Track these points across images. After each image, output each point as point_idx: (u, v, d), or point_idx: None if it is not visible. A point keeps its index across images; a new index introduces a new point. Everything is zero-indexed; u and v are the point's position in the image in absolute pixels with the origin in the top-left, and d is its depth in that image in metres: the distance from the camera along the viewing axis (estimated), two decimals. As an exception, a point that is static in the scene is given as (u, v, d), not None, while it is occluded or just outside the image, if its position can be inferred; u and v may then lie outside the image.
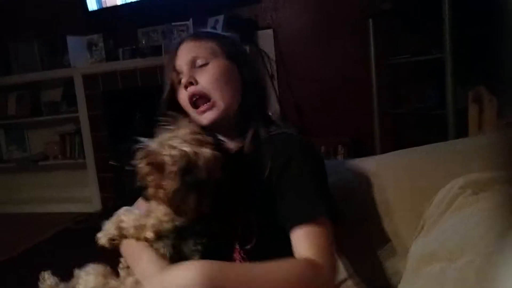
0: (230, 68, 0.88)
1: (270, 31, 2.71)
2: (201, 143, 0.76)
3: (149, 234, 0.77)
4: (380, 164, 1.04)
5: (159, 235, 0.77)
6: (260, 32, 2.73)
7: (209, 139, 0.79)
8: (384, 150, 1.19)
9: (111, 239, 0.81)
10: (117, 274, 0.89)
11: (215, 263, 0.70)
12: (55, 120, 3.13)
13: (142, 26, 2.89)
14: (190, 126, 0.80)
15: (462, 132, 1.91)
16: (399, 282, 0.80)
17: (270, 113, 0.96)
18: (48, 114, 3.13)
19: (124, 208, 0.85)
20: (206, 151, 0.75)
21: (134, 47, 2.87)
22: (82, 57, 2.92)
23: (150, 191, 0.77)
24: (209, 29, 0.96)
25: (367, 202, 0.97)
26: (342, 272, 0.95)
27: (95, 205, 3.02)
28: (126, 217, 0.81)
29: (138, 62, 2.79)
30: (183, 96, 0.88)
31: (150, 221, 0.78)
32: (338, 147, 2.45)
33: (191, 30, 2.70)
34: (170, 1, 2.80)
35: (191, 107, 0.87)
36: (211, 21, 2.71)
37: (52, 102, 3.16)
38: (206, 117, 0.86)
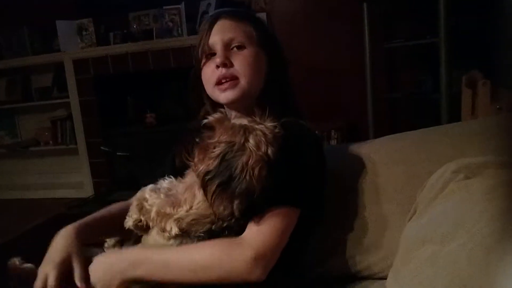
0: (261, 56, 0.89)
1: (263, 15, 2.67)
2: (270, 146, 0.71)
3: (173, 229, 0.74)
4: (373, 149, 1.04)
5: (184, 231, 0.74)
6: (253, 16, 2.69)
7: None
8: (378, 135, 1.18)
9: (137, 222, 0.78)
10: None
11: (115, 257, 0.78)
12: (46, 106, 3.09)
13: (133, 10, 2.85)
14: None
15: (456, 116, 1.92)
16: (390, 266, 0.80)
17: (291, 100, 0.97)
18: (39, 100, 3.10)
19: (151, 186, 0.81)
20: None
21: (125, 31, 2.83)
22: (72, 41, 2.87)
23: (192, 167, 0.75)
24: (244, 10, 0.94)
25: (360, 186, 0.97)
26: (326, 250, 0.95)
27: (87, 191, 3.01)
28: (151, 198, 0.77)
29: (129, 47, 2.75)
30: (208, 71, 0.88)
31: (179, 213, 0.74)
32: (332, 132, 2.45)
33: (183, 14, 2.67)
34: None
35: (213, 83, 0.87)
36: (203, 4, 2.67)
37: (43, 87, 3.13)
38: (226, 96, 0.86)
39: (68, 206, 2.81)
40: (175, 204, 0.75)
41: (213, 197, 0.69)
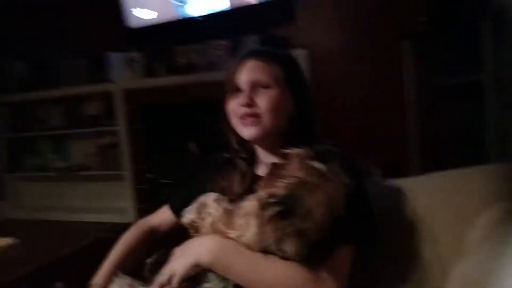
0: (287, 96, 0.93)
1: (304, 51, 2.74)
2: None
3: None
4: (419, 186, 1.03)
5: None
6: (294, 52, 2.76)
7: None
8: (421, 173, 1.18)
9: (192, 222, 0.82)
10: (144, 283, 0.92)
11: (232, 243, 0.78)
12: (95, 133, 3.26)
13: (180, 44, 3.00)
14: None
15: (504, 156, 1.86)
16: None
17: (317, 130, 1.01)
18: (89, 126, 3.26)
19: (214, 195, 0.85)
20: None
21: (171, 64, 2.98)
22: (122, 72, 3.04)
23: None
24: (275, 48, 1.02)
25: (405, 224, 0.96)
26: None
27: (130, 216, 3.10)
28: (211, 206, 0.81)
29: (175, 79, 2.89)
30: (233, 107, 0.93)
31: (229, 235, 0.78)
32: (373, 168, 2.42)
33: (227, 50, 2.78)
34: (207, 21, 2.88)
35: (237, 117, 0.93)
36: (245, 40, 2.77)
37: (93, 115, 3.30)
38: (248, 132, 0.91)
39: (110, 230, 2.90)
40: (230, 224, 0.79)
41: (268, 223, 0.70)
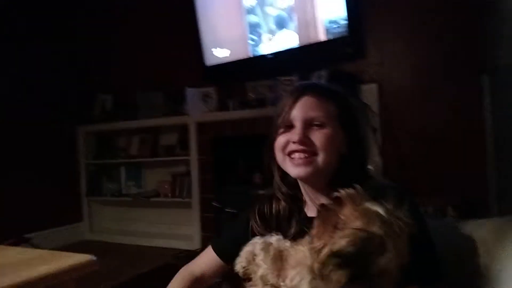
0: (340, 134, 0.89)
1: (374, 85, 2.73)
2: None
3: None
4: (492, 228, 0.96)
5: None
6: (364, 86, 2.76)
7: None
8: (500, 214, 1.10)
9: (245, 270, 0.78)
10: None
11: None
12: (169, 162, 3.43)
13: (251, 80, 3.13)
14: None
15: None
16: None
17: (369, 167, 0.97)
18: (164, 156, 3.46)
19: (261, 241, 0.80)
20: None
21: (243, 98, 3.10)
22: (197, 106, 3.22)
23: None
24: (330, 85, 0.98)
25: (476, 270, 0.90)
26: None
27: (196, 243, 3.19)
28: (259, 256, 0.76)
29: (245, 113, 2.99)
30: (283, 141, 0.89)
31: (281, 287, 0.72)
32: (448, 209, 2.29)
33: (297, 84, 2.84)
34: (277, 57, 2.99)
35: (285, 153, 0.89)
36: (315, 75, 2.82)
37: (168, 145, 3.49)
38: (298, 171, 0.87)
39: (176, 256, 2.99)
40: (281, 274, 0.73)
41: (332, 283, 0.62)
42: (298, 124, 0.88)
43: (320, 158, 0.86)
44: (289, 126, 0.89)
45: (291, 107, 0.89)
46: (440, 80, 2.56)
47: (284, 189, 0.95)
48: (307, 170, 0.86)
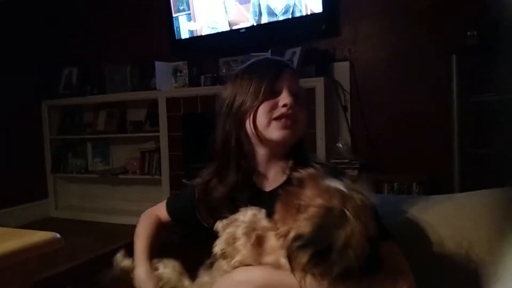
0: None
1: (346, 63, 2.75)
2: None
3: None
4: (458, 203, 1.00)
5: None
6: (336, 64, 2.77)
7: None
8: (462, 191, 1.14)
9: (223, 251, 0.77)
10: (190, 276, 0.92)
11: (276, 272, 0.73)
12: (137, 138, 3.36)
13: (224, 55, 3.07)
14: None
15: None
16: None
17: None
18: (132, 132, 3.38)
19: (244, 225, 0.78)
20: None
21: (215, 75, 3.05)
22: (167, 81, 3.15)
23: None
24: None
25: (444, 241, 0.93)
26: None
27: (165, 221, 3.16)
28: (240, 240, 0.75)
29: (217, 89, 2.94)
30: (268, 107, 0.90)
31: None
32: (413, 185, 2.36)
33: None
34: (251, 33, 2.95)
35: (270, 118, 0.91)
36: (288, 52, 2.80)
37: (136, 121, 3.41)
38: (285, 133, 0.91)
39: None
40: (259, 262, 0.73)
41: (303, 270, 0.62)
42: (286, 91, 0.92)
43: (300, 127, 0.93)
44: (273, 94, 0.91)
45: (276, 76, 0.92)
46: (411, 60, 2.60)
47: (243, 161, 0.95)
48: (291, 134, 0.91)
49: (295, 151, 0.95)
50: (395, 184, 2.41)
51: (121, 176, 3.45)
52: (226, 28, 3.03)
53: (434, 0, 2.53)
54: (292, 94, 0.92)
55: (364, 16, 2.72)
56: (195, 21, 3.15)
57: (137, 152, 3.41)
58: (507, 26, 2.17)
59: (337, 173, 0.75)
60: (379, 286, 0.72)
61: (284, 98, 0.91)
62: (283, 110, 0.90)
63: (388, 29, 2.66)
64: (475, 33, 2.23)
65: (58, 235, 0.86)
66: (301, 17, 2.75)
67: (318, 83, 2.58)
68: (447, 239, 0.93)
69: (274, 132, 0.91)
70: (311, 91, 2.59)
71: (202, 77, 3.07)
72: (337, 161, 2.57)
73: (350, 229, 0.60)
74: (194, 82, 3.12)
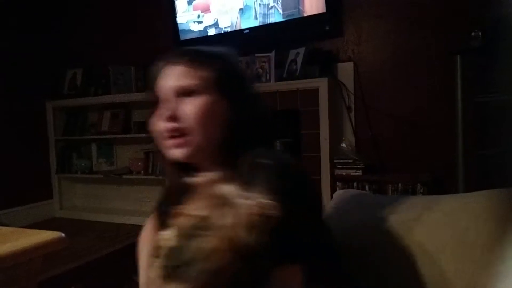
0: (220, 103, 0.77)
1: (350, 64, 2.75)
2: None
3: None
4: (462, 202, 1.00)
5: None
6: (340, 65, 2.77)
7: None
8: (467, 192, 1.14)
9: None
10: None
11: None
12: (141, 138, 3.36)
13: (227, 56, 3.07)
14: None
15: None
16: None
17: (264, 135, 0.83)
18: (136, 132, 3.38)
19: None
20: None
21: (218, 75, 3.05)
22: (171, 82, 3.15)
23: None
24: (208, 48, 0.83)
25: (446, 240, 0.93)
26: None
27: (169, 221, 3.16)
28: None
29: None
30: (159, 123, 0.76)
31: None
32: (417, 186, 2.36)
33: (272, 62, 2.82)
34: (255, 34, 2.95)
35: (164, 138, 0.76)
36: (292, 53, 2.81)
37: (141, 121, 3.41)
38: (174, 154, 0.76)
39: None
40: None
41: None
42: (166, 98, 0.76)
43: (197, 134, 0.74)
44: (161, 103, 0.77)
45: (159, 80, 0.77)
46: (415, 60, 2.59)
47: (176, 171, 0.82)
48: (185, 151, 0.75)
49: (226, 151, 0.77)
50: (399, 184, 2.41)
51: (125, 177, 3.45)
52: (230, 29, 3.04)
53: (438, 0, 2.52)
54: (180, 95, 0.75)
55: (368, 16, 2.72)
56: (199, 22, 3.16)
57: (141, 152, 3.42)
58: (511, 26, 2.16)
59: (266, 175, 0.66)
60: None
61: (164, 110, 0.75)
62: (165, 125, 0.74)
63: (392, 30, 2.66)
64: (480, 33, 2.22)
65: (63, 235, 0.86)
66: (305, 17, 2.75)
67: (322, 84, 2.58)
68: (449, 239, 0.93)
69: (171, 154, 0.76)
70: (315, 91, 2.59)
71: (206, 78, 3.08)
72: (341, 161, 2.57)
73: (217, 240, 0.53)
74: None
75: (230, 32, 3.04)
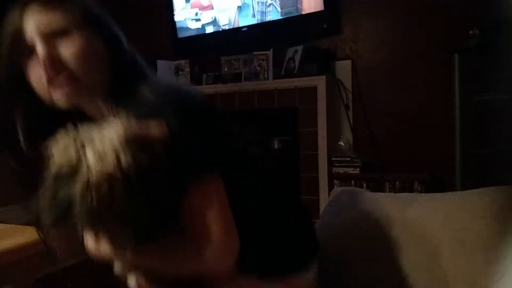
0: (95, 41, 0.72)
1: (348, 62, 2.74)
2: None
3: None
4: (461, 201, 1.00)
5: None
6: (338, 63, 2.77)
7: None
8: (465, 190, 1.14)
9: None
10: None
11: None
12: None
13: (226, 54, 3.07)
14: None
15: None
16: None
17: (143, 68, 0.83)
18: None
19: None
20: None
21: (216, 73, 3.05)
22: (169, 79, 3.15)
23: None
24: None
25: (445, 237, 0.93)
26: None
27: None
28: None
29: (219, 87, 2.95)
30: (35, 74, 0.69)
31: None
32: (415, 184, 2.36)
33: (270, 60, 2.82)
34: (253, 32, 2.95)
35: (44, 84, 0.69)
36: (290, 51, 2.81)
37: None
38: (62, 96, 0.69)
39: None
40: None
41: (54, 235, 0.58)
42: (36, 38, 0.67)
43: (85, 77, 0.69)
44: (30, 49, 0.69)
45: (20, 25, 0.68)
46: (413, 59, 2.59)
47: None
48: (75, 97, 0.70)
49: (114, 91, 0.72)
50: (397, 183, 2.41)
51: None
52: (228, 26, 3.03)
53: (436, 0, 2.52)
54: (49, 35, 0.68)
55: (366, 14, 2.72)
56: (197, 20, 3.15)
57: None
58: (510, 25, 2.16)
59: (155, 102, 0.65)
60: (181, 251, 0.65)
61: (38, 57, 0.67)
62: (44, 70, 0.68)
63: (390, 28, 2.66)
64: (478, 32, 2.22)
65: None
66: (303, 15, 2.74)
67: (320, 82, 2.58)
68: (448, 237, 0.93)
69: (58, 102, 0.70)
70: (313, 89, 2.59)
71: (204, 76, 3.08)
72: (338, 159, 2.58)
73: (85, 176, 0.51)
74: (196, 80, 3.12)
75: (228, 30, 3.03)
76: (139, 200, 0.53)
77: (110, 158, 0.52)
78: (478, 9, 2.32)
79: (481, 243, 0.89)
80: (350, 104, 2.75)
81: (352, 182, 2.51)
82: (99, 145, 0.53)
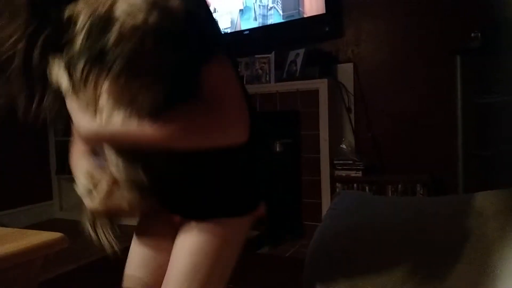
0: None
1: (350, 65, 2.75)
2: None
3: None
4: (461, 205, 1.00)
5: None
6: (340, 66, 2.77)
7: None
8: (467, 193, 1.14)
9: None
10: None
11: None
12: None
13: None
14: None
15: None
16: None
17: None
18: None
19: None
20: None
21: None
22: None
23: None
24: None
25: (442, 241, 0.93)
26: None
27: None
28: None
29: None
30: None
31: None
32: (417, 187, 2.36)
33: (272, 63, 2.83)
34: (255, 35, 2.95)
35: None
36: (292, 54, 2.81)
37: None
38: None
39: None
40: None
41: (83, 81, 0.58)
42: None
43: None
44: None
45: None
46: (415, 61, 2.59)
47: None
48: None
49: None
50: (399, 185, 2.41)
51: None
52: (230, 29, 3.04)
53: (438, 1, 2.52)
54: None
55: (368, 17, 2.72)
56: (199, 23, 3.16)
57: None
58: (511, 27, 2.16)
59: None
60: (203, 118, 0.65)
61: None
62: None
63: (392, 30, 2.66)
64: (479, 34, 2.22)
65: (63, 236, 0.86)
66: (305, 19, 2.75)
67: (321, 85, 2.58)
68: (450, 240, 0.93)
69: None
70: (315, 92, 2.59)
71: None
72: (341, 162, 2.58)
73: (120, 25, 0.54)
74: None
75: (230, 33, 3.04)
76: (166, 55, 0.56)
77: (140, 14, 0.54)
78: (479, 10, 2.33)
79: (483, 245, 0.89)
80: (352, 107, 2.75)
81: (355, 185, 2.51)
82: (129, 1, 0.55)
